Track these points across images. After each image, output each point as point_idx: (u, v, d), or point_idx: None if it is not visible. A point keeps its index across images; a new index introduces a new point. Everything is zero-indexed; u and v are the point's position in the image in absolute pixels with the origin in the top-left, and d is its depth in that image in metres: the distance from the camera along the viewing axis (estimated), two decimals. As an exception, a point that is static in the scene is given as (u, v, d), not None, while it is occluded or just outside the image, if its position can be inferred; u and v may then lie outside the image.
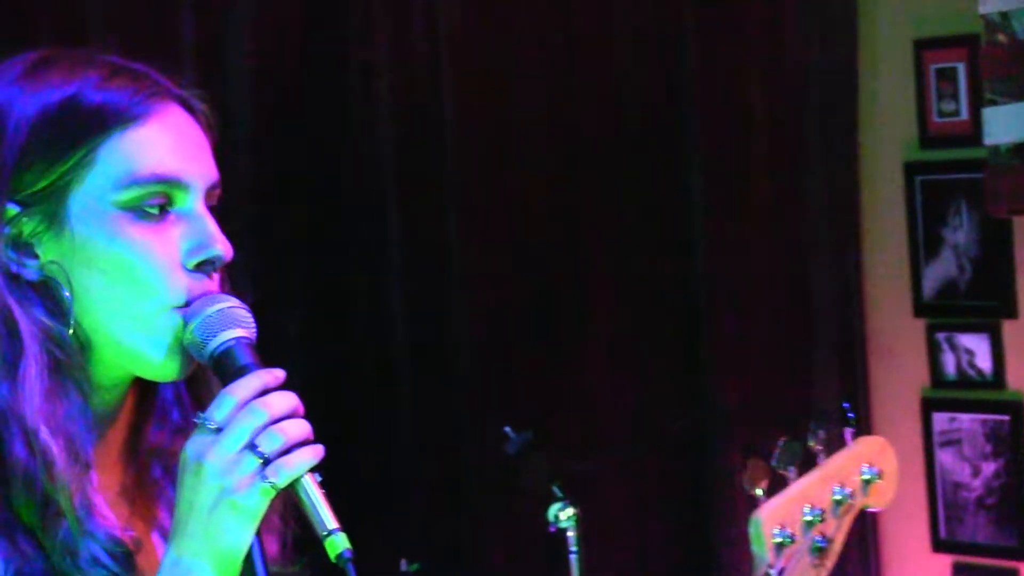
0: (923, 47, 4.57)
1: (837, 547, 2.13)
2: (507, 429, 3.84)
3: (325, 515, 1.67)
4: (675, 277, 4.63)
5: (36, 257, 1.76)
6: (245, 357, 1.72)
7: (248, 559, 1.71)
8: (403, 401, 4.35)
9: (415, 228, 4.37)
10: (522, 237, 4.50)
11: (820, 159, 4.66)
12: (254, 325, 1.75)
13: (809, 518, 2.11)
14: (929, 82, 4.56)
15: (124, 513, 1.83)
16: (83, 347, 1.76)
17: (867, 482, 2.18)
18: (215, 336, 1.73)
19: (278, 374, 1.71)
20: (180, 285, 1.75)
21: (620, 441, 4.56)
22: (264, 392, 1.69)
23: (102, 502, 1.78)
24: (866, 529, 4.60)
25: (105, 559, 1.73)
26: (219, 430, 1.68)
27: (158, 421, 1.87)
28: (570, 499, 3.74)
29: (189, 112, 1.81)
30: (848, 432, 2.19)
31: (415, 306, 4.37)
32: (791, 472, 2.11)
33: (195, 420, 1.71)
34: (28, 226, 1.75)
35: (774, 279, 4.67)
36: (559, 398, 4.48)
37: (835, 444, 2.18)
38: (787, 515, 2.09)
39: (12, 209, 1.75)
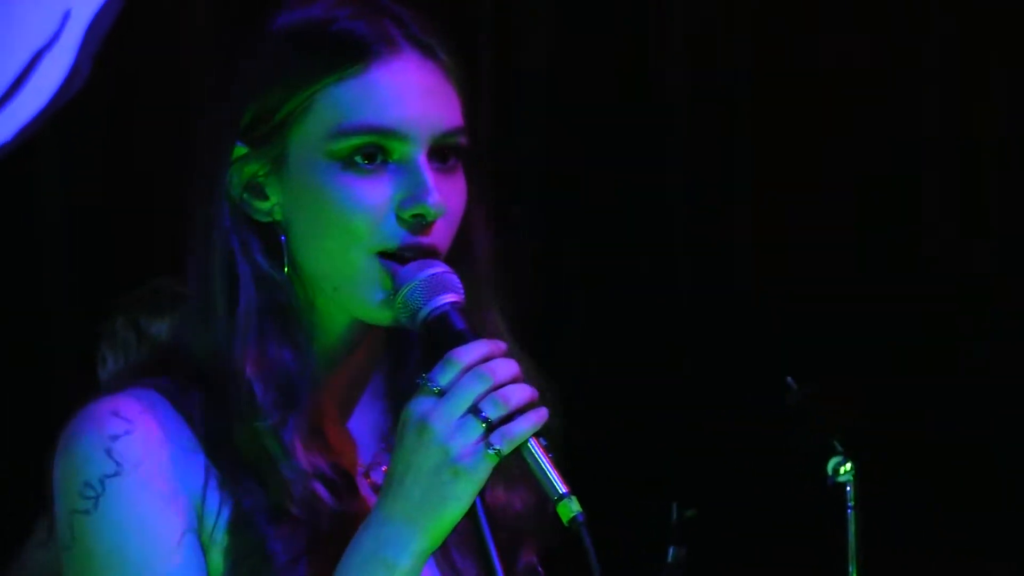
0: None
1: None
2: (789, 380, 3.81)
3: (555, 479, 1.65)
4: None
5: (266, 199, 1.78)
6: (460, 322, 1.71)
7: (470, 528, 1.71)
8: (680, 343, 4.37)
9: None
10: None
11: None
12: (462, 290, 1.74)
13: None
14: None
15: (373, 449, 1.84)
16: (301, 291, 1.78)
17: None
18: (428, 303, 1.71)
19: (501, 345, 1.70)
20: (389, 231, 1.74)
21: (899, 399, 4.51)
22: (488, 360, 1.67)
23: (333, 438, 1.79)
24: None
25: (324, 495, 1.73)
26: (442, 393, 1.66)
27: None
28: (850, 453, 3.70)
29: (430, 58, 1.78)
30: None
31: (696, 247, 4.38)
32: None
33: (418, 381, 1.69)
34: (255, 168, 1.78)
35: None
36: (842, 353, 4.45)
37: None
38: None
39: (241, 148, 1.78)
